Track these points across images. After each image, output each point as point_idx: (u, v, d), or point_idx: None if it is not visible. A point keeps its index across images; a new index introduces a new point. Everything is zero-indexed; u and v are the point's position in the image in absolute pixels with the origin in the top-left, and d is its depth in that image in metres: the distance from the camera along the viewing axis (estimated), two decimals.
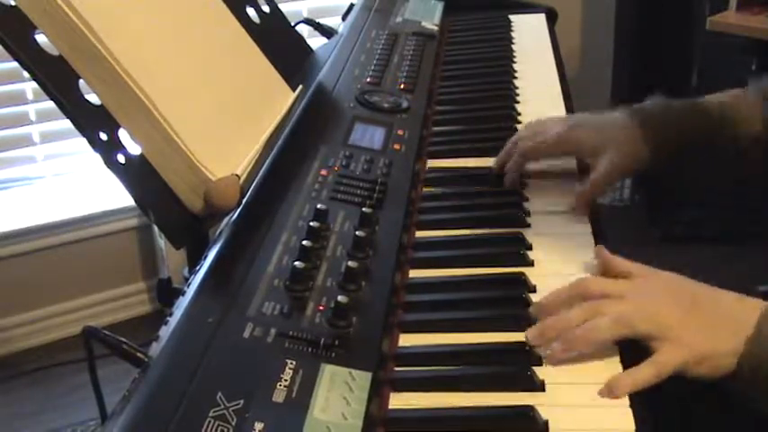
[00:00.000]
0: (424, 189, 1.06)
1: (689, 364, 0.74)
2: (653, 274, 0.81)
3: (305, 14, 2.34)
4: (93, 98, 0.84)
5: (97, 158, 0.82)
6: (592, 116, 1.07)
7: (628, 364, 0.74)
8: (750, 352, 0.74)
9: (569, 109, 1.26)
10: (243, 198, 0.87)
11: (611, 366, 0.74)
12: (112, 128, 0.84)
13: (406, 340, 0.78)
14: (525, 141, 1.06)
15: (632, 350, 0.76)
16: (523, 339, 0.76)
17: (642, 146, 1.00)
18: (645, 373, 0.73)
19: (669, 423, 0.91)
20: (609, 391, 0.71)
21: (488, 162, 1.11)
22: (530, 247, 0.91)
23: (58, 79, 0.82)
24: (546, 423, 0.67)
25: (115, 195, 2.24)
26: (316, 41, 1.44)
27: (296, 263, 0.76)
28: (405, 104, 1.19)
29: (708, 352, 0.75)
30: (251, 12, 1.21)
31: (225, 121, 0.96)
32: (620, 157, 1.00)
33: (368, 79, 1.25)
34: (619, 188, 2.70)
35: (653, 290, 0.80)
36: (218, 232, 0.87)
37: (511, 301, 0.83)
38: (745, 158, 1.04)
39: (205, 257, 0.81)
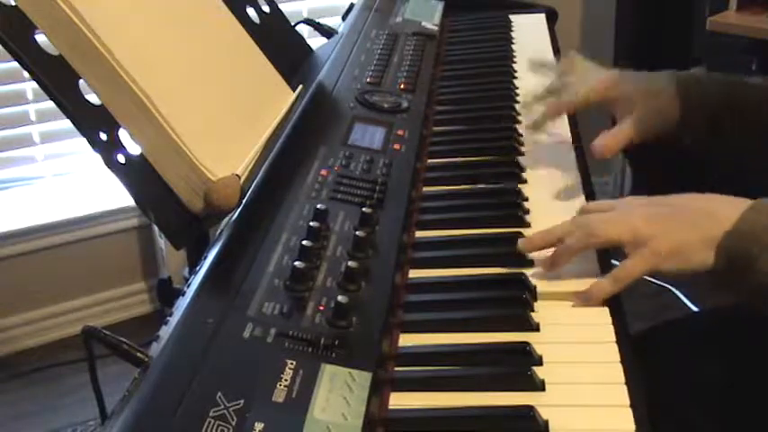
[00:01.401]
0: (424, 189, 1.06)
1: (657, 262, 0.78)
2: (642, 197, 0.86)
3: (305, 14, 2.34)
4: (93, 98, 0.84)
5: (97, 158, 0.82)
6: (635, 73, 1.09)
7: (628, 363, 0.74)
8: (728, 243, 0.76)
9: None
10: (243, 198, 0.87)
11: (611, 366, 0.74)
12: (112, 128, 0.84)
13: (406, 340, 0.78)
14: (573, 87, 1.10)
15: (631, 352, 0.76)
16: (524, 340, 0.76)
17: (674, 105, 1.03)
18: (604, 285, 0.80)
19: (669, 423, 0.91)
20: (584, 300, 0.80)
21: (488, 162, 1.11)
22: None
23: (58, 79, 0.82)
24: (546, 423, 0.67)
25: (115, 195, 2.24)
26: (316, 41, 1.44)
27: (296, 263, 0.76)
28: (405, 104, 1.19)
29: (675, 246, 0.78)
30: (251, 12, 1.21)
31: (225, 121, 0.96)
32: (649, 113, 1.03)
33: (368, 79, 1.25)
34: (619, 188, 2.70)
35: (639, 200, 0.85)
36: (218, 232, 0.87)
37: (511, 301, 0.83)
38: None
39: (205, 257, 0.81)
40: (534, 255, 0.88)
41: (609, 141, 1.03)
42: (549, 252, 0.87)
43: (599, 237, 0.82)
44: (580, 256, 0.85)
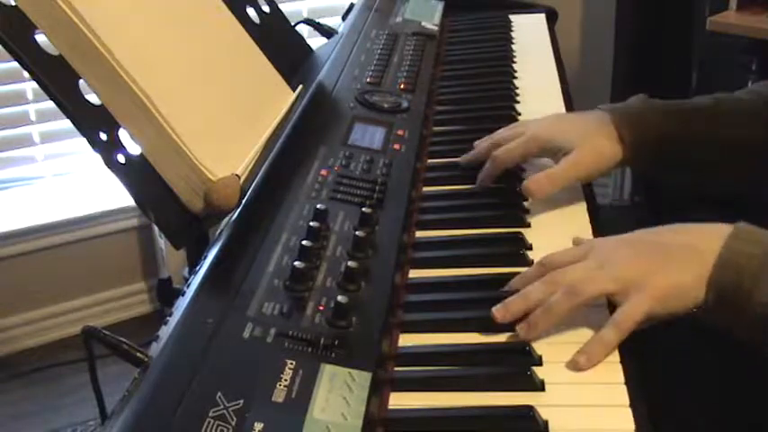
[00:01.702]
0: (424, 189, 1.06)
1: (654, 308, 0.74)
2: (607, 239, 0.82)
3: (305, 14, 2.35)
4: (93, 98, 0.84)
5: (97, 158, 0.82)
6: (569, 115, 1.06)
7: (628, 363, 0.74)
8: (716, 278, 0.73)
9: (569, 109, 1.26)
10: (243, 198, 0.87)
11: (611, 366, 0.74)
12: (112, 128, 0.84)
13: (406, 340, 0.78)
14: (499, 146, 1.04)
15: (631, 352, 0.76)
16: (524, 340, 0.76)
17: (616, 144, 0.99)
18: (609, 335, 0.74)
19: (669, 423, 0.91)
20: (577, 365, 0.73)
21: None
22: (530, 247, 0.91)
23: (58, 79, 0.82)
24: (546, 423, 0.67)
25: (115, 195, 2.24)
26: (316, 41, 1.44)
27: (296, 263, 0.76)
28: (405, 104, 1.19)
29: (670, 288, 0.74)
30: (251, 12, 1.21)
31: (225, 121, 0.96)
32: (589, 154, 0.98)
33: (368, 79, 1.25)
34: (619, 188, 2.70)
35: (612, 244, 0.80)
36: (218, 232, 0.87)
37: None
38: (728, 161, 1.02)
39: (205, 257, 0.81)
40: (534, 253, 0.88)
41: (543, 182, 0.97)
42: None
43: (583, 293, 0.75)
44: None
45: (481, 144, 1.07)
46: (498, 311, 0.78)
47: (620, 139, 0.99)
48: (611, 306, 0.79)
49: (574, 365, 0.73)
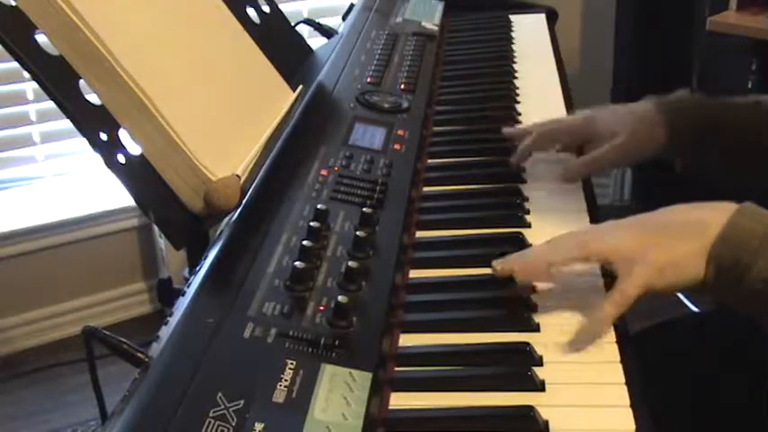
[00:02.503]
0: (424, 189, 1.06)
1: (653, 281, 0.75)
2: (611, 221, 0.83)
3: (305, 14, 2.34)
4: (93, 98, 0.84)
5: (97, 158, 0.82)
6: (611, 106, 1.08)
7: (628, 363, 0.74)
8: (717, 252, 0.74)
9: (569, 109, 1.26)
10: (243, 198, 0.87)
11: (611, 366, 0.74)
12: (112, 128, 0.84)
13: (406, 340, 0.78)
14: (542, 127, 1.08)
15: (631, 351, 0.76)
16: (524, 340, 0.76)
17: (659, 131, 1.01)
18: (608, 309, 0.75)
19: (669, 423, 0.91)
20: (591, 336, 0.75)
21: (488, 162, 1.11)
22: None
23: (58, 79, 0.82)
24: (546, 423, 0.67)
25: (115, 195, 2.24)
26: (316, 41, 1.44)
27: (296, 263, 0.76)
28: (405, 104, 1.19)
29: (669, 259, 0.75)
30: (251, 12, 1.21)
31: (225, 121, 0.96)
32: (632, 140, 1.01)
33: (368, 79, 1.25)
34: (619, 188, 2.70)
35: (617, 222, 0.81)
36: (218, 232, 0.87)
37: (511, 301, 0.83)
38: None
39: (205, 257, 0.81)
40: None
41: (571, 170, 1.03)
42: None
43: (588, 249, 0.78)
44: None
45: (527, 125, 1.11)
46: (498, 262, 0.81)
47: (663, 125, 1.01)
48: None
49: (576, 342, 0.75)
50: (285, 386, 0.65)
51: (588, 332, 0.76)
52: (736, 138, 1.03)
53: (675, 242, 0.76)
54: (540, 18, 1.65)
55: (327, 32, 1.47)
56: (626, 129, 1.02)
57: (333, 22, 1.56)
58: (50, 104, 0.81)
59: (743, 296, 0.74)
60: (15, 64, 0.81)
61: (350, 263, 0.79)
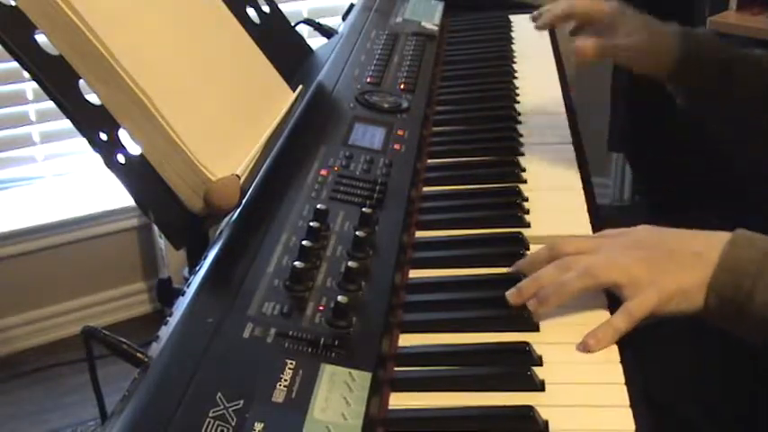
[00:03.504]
0: (424, 189, 1.06)
1: (659, 304, 0.77)
2: (622, 231, 0.85)
3: (305, 14, 2.34)
4: (93, 98, 0.84)
5: (97, 158, 0.82)
6: (639, 14, 1.12)
7: (628, 363, 0.74)
8: (716, 282, 0.76)
9: (569, 109, 1.26)
10: (243, 198, 0.87)
11: (611, 366, 0.74)
12: (112, 128, 0.84)
13: (406, 340, 0.78)
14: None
15: (632, 351, 0.76)
16: (524, 340, 0.76)
17: (671, 55, 1.07)
18: (618, 322, 0.76)
19: (669, 423, 0.91)
20: (587, 346, 0.75)
21: (488, 162, 1.11)
22: (529, 247, 0.91)
23: (58, 79, 0.82)
24: (546, 423, 0.67)
25: (115, 195, 2.24)
26: (316, 41, 1.44)
27: (296, 263, 0.76)
28: (405, 104, 1.19)
29: (675, 288, 0.77)
30: (251, 12, 1.21)
31: (225, 121, 0.96)
32: (649, 44, 1.07)
33: (368, 79, 1.25)
34: (619, 188, 2.70)
35: (621, 242, 0.83)
36: (218, 232, 0.87)
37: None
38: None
39: (205, 257, 0.81)
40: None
41: (601, 45, 1.06)
42: None
43: (598, 278, 0.79)
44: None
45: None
46: (512, 295, 0.80)
47: (679, 53, 1.07)
48: (611, 308, 0.80)
49: (583, 346, 0.75)
50: (285, 386, 0.65)
51: (598, 340, 0.76)
52: (741, 85, 1.07)
53: (680, 271, 0.78)
54: None
55: (327, 32, 1.47)
56: (646, 33, 1.07)
57: (333, 22, 1.56)
58: (50, 104, 0.81)
59: (747, 323, 0.75)
60: (15, 64, 0.81)
61: (349, 263, 0.79)
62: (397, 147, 1.07)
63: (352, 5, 1.59)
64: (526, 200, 1.01)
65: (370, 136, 1.08)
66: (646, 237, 0.83)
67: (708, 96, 1.09)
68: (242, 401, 0.62)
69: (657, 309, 0.77)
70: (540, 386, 0.71)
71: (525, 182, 1.06)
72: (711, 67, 1.06)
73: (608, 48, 1.07)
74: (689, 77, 1.08)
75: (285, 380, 0.65)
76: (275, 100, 1.07)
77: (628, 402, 0.69)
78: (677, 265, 0.78)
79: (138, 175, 0.84)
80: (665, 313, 0.78)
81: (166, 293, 2.28)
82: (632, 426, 0.67)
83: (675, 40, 1.07)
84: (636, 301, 0.77)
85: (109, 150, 0.83)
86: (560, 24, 1.15)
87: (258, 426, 0.61)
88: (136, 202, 0.85)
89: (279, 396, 0.64)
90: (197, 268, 0.79)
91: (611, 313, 0.79)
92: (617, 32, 1.08)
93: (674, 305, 0.77)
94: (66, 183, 2.28)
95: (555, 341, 0.77)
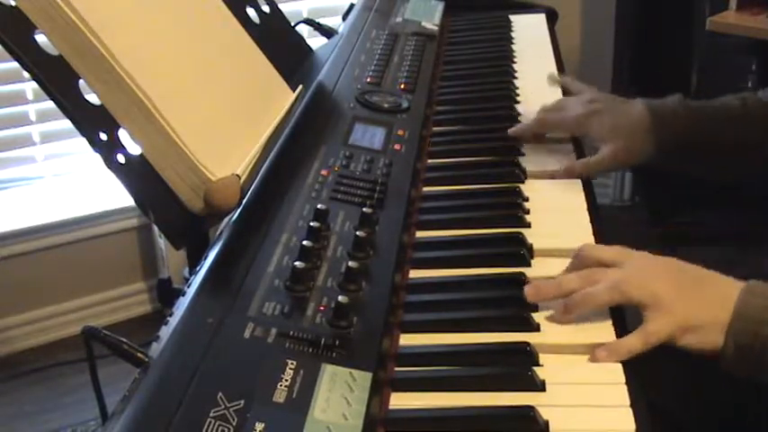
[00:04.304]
0: (424, 189, 1.06)
1: (677, 334, 0.77)
2: (644, 254, 0.85)
3: (305, 14, 2.34)
4: (93, 98, 0.84)
5: (97, 158, 0.82)
6: (612, 104, 1.13)
7: (628, 363, 0.74)
8: (733, 328, 0.76)
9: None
10: (243, 198, 0.87)
11: (611, 366, 0.74)
12: (112, 128, 0.84)
13: (407, 340, 0.78)
14: (546, 113, 1.15)
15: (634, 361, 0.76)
16: (524, 340, 0.76)
17: (649, 141, 1.07)
18: (633, 342, 0.76)
19: (669, 423, 0.91)
20: (597, 357, 0.75)
21: (488, 162, 1.11)
22: (530, 247, 0.91)
23: (58, 79, 0.82)
24: (546, 423, 0.67)
25: (115, 195, 2.24)
26: (316, 41, 1.44)
27: (296, 263, 0.76)
28: (405, 104, 1.19)
29: (696, 323, 0.77)
30: (251, 12, 1.21)
31: (225, 121, 0.96)
32: (624, 150, 1.07)
33: (368, 79, 1.25)
34: (619, 188, 2.70)
35: (646, 263, 0.83)
36: (218, 232, 0.87)
37: (511, 301, 0.83)
38: (752, 160, 1.10)
39: (205, 257, 0.81)
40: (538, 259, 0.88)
41: (566, 171, 1.07)
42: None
43: (626, 294, 0.78)
44: None
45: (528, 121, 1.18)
46: (530, 291, 0.81)
47: (654, 135, 1.07)
48: (613, 316, 0.80)
49: (593, 356, 0.75)
50: (285, 386, 0.65)
51: (610, 353, 0.76)
52: (722, 147, 1.08)
53: (703, 309, 0.78)
54: (540, 18, 1.65)
55: (327, 32, 1.47)
56: (620, 137, 1.07)
57: (333, 22, 1.56)
58: (50, 104, 0.81)
59: (764, 369, 0.76)
60: (15, 64, 0.81)
61: (350, 263, 0.79)
62: (397, 147, 1.07)
63: (352, 5, 1.59)
64: (526, 200, 1.01)
65: (370, 136, 1.08)
66: (668, 264, 0.83)
67: (691, 163, 1.11)
68: (243, 401, 0.62)
69: (673, 338, 0.77)
70: (540, 386, 0.71)
71: (525, 182, 1.06)
72: (686, 138, 1.07)
73: (592, 166, 1.08)
74: (670, 157, 1.09)
75: (286, 380, 0.65)
76: (275, 100, 1.07)
77: (628, 402, 0.69)
78: (702, 298, 0.79)
79: (138, 175, 0.84)
80: (681, 345, 0.77)
81: (166, 293, 2.28)
82: (632, 426, 0.67)
83: (650, 132, 1.07)
84: (655, 324, 0.77)
85: (109, 150, 0.83)
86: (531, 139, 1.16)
87: (259, 426, 0.61)
88: (136, 202, 0.85)
89: (279, 396, 0.64)
90: (197, 268, 0.79)
91: (611, 315, 0.80)
92: (593, 138, 1.11)
93: (690, 339, 0.77)
94: (66, 183, 2.28)
95: (555, 341, 0.77)
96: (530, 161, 1.10)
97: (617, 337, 0.77)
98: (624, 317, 0.81)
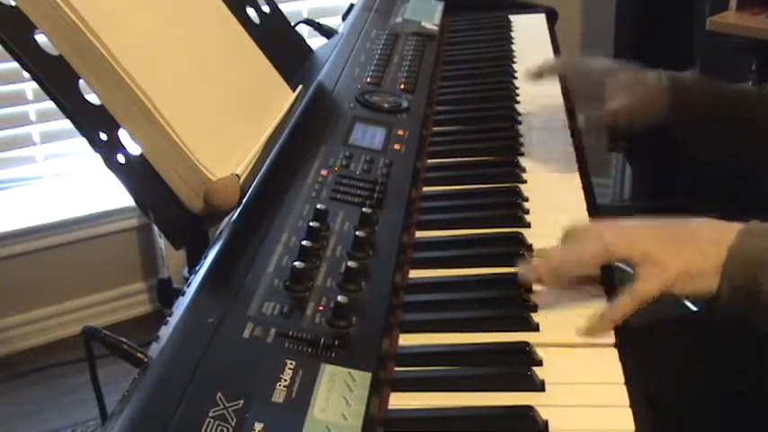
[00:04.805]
0: (424, 189, 1.06)
1: (670, 285, 0.79)
2: (631, 219, 0.87)
3: (305, 14, 2.34)
4: (93, 98, 0.84)
5: (97, 158, 0.82)
6: (632, 67, 1.17)
7: (628, 363, 0.74)
8: (728, 269, 0.77)
9: (569, 109, 1.26)
10: (243, 198, 0.87)
11: (611, 366, 0.74)
12: (112, 128, 0.84)
13: (406, 340, 0.78)
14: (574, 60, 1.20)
15: (632, 352, 0.76)
16: (524, 340, 0.76)
17: (663, 101, 1.09)
18: (626, 302, 0.78)
19: (669, 423, 0.91)
20: (593, 329, 0.77)
21: (488, 162, 1.11)
22: (530, 247, 0.91)
23: (58, 79, 0.82)
24: (546, 423, 0.67)
25: (115, 195, 2.24)
26: (316, 41, 1.44)
27: (296, 263, 0.76)
28: (405, 104, 1.19)
29: (688, 270, 0.79)
30: (251, 12, 1.21)
31: (225, 121, 0.96)
32: (639, 102, 1.09)
33: (368, 79, 1.25)
34: (619, 188, 2.70)
35: (633, 224, 0.85)
36: (218, 232, 0.87)
37: (511, 301, 0.83)
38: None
39: (205, 257, 0.81)
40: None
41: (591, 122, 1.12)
42: None
43: (614, 252, 0.80)
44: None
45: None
46: (524, 274, 0.82)
47: (668, 97, 1.09)
48: None
49: (588, 330, 0.77)
50: (285, 386, 0.65)
51: (600, 319, 0.78)
52: (737, 125, 1.09)
53: (697, 256, 0.79)
54: (540, 18, 1.65)
55: (327, 32, 1.47)
56: (634, 95, 1.09)
57: (333, 22, 1.56)
58: (50, 104, 0.81)
59: (758, 311, 0.76)
60: (15, 64, 0.81)
61: (349, 263, 0.79)
62: (397, 147, 1.07)
63: (352, 5, 1.59)
64: (526, 200, 1.01)
65: (370, 136, 1.08)
66: (656, 222, 0.84)
67: (702, 133, 1.12)
68: (242, 401, 0.62)
69: (667, 289, 0.78)
70: (540, 386, 0.71)
71: (525, 182, 1.06)
72: (701, 110, 1.09)
73: (607, 117, 1.10)
74: (682, 123, 1.10)
75: (285, 380, 0.65)
76: (275, 100, 1.07)
77: (628, 402, 0.69)
78: (694, 248, 0.79)
79: (138, 175, 0.84)
80: (677, 295, 0.79)
81: (166, 293, 2.28)
82: (632, 426, 0.67)
83: (664, 96, 1.09)
84: (646, 281, 0.78)
85: (109, 150, 0.83)
86: (550, 75, 1.22)
87: (258, 426, 0.61)
88: (136, 202, 0.85)
89: (279, 396, 0.64)
90: (197, 268, 0.79)
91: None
92: (605, 92, 1.11)
93: (685, 287, 0.78)
94: (67, 183, 2.28)
95: (555, 341, 0.77)
96: (530, 161, 1.10)
97: (616, 336, 0.77)
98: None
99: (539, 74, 1.21)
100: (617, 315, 0.78)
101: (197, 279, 0.76)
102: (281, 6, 1.31)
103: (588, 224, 0.87)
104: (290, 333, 0.70)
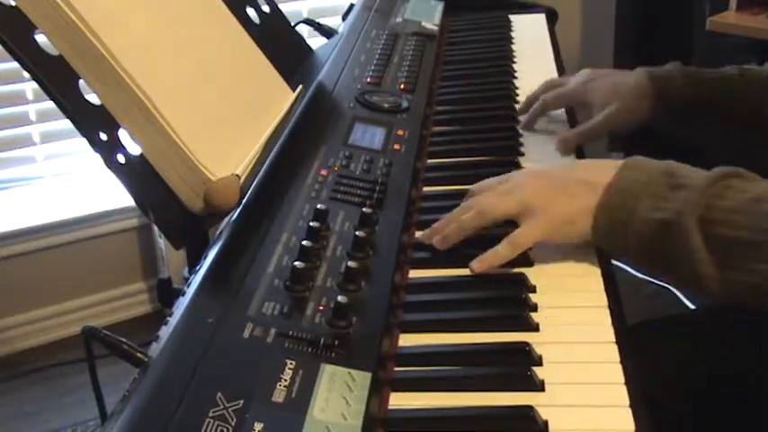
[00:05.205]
0: (424, 189, 1.06)
1: (548, 233, 0.84)
2: (528, 169, 0.95)
3: (305, 14, 2.35)
4: (93, 98, 0.84)
5: (97, 158, 0.82)
6: (610, 72, 1.18)
7: (628, 363, 0.74)
8: (604, 202, 0.81)
9: (569, 109, 1.26)
10: (243, 198, 0.87)
11: (610, 366, 0.74)
12: (112, 128, 0.84)
13: (406, 340, 0.78)
14: (546, 95, 1.18)
15: (632, 351, 0.76)
16: (524, 340, 0.76)
17: (647, 101, 1.11)
18: (503, 250, 0.84)
19: (669, 423, 0.91)
20: (473, 268, 0.84)
21: (488, 162, 1.11)
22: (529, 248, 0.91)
23: (58, 79, 0.82)
24: (546, 423, 0.67)
25: (115, 195, 2.24)
26: (316, 41, 1.44)
27: (296, 263, 0.76)
28: (405, 104, 1.19)
29: (565, 214, 0.83)
30: (251, 12, 1.21)
31: (225, 121, 0.96)
32: (622, 111, 1.10)
33: (368, 79, 1.25)
34: None
35: (523, 176, 0.90)
36: (218, 232, 0.87)
37: (511, 301, 0.83)
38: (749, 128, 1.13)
39: (205, 257, 0.81)
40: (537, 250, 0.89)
41: (565, 143, 1.11)
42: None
43: (490, 213, 0.86)
44: (580, 253, 0.86)
45: (527, 98, 1.23)
46: (424, 233, 0.91)
47: (650, 95, 1.11)
48: (612, 316, 0.80)
49: (469, 269, 0.85)
50: (285, 386, 0.65)
51: (482, 263, 0.85)
52: (720, 111, 1.11)
53: (572, 200, 0.83)
54: (540, 18, 1.65)
55: (327, 32, 1.47)
56: (618, 99, 1.10)
57: (333, 22, 1.56)
58: (50, 104, 0.81)
59: (630, 243, 0.79)
60: (15, 64, 0.81)
61: (349, 263, 0.79)
62: (397, 147, 1.07)
63: (352, 5, 1.59)
64: None
65: (370, 136, 1.08)
66: (551, 168, 0.90)
67: (689, 127, 1.14)
68: (242, 401, 0.62)
69: (546, 236, 0.84)
70: (540, 386, 0.71)
71: None
72: (684, 96, 1.11)
73: (587, 133, 1.12)
74: (668, 120, 1.12)
75: (285, 380, 0.65)
76: (275, 100, 1.07)
77: (628, 402, 0.69)
78: (567, 194, 0.84)
79: (138, 175, 0.84)
80: (556, 241, 0.84)
81: (166, 293, 2.28)
82: (632, 426, 0.67)
83: (648, 95, 1.11)
84: (523, 229, 0.84)
85: (109, 150, 0.83)
86: (542, 116, 1.21)
87: (258, 426, 0.61)
88: (136, 202, 0.85)
89: (279, 396, 0.64)
90: (197, 268, 0.79)
91: (611, 314, 0.80)
92: (593, 104, 1.13)
93: (563, 231, 0.83)
94: (67, 183, 2.28)
95: (555, 341, 0.77)
96: (530, 161, 1.10)
97: (616, 336, 0.77)
98: (624, 316, 0.81)
99: (533, 120, 1.20)
100: (495, 262, 0.84)
101: (197, 279, 0.76)
102: (281, 6, 1.31)
103: (479, 185, 0.92)
104: (290, 333, 0.70)
